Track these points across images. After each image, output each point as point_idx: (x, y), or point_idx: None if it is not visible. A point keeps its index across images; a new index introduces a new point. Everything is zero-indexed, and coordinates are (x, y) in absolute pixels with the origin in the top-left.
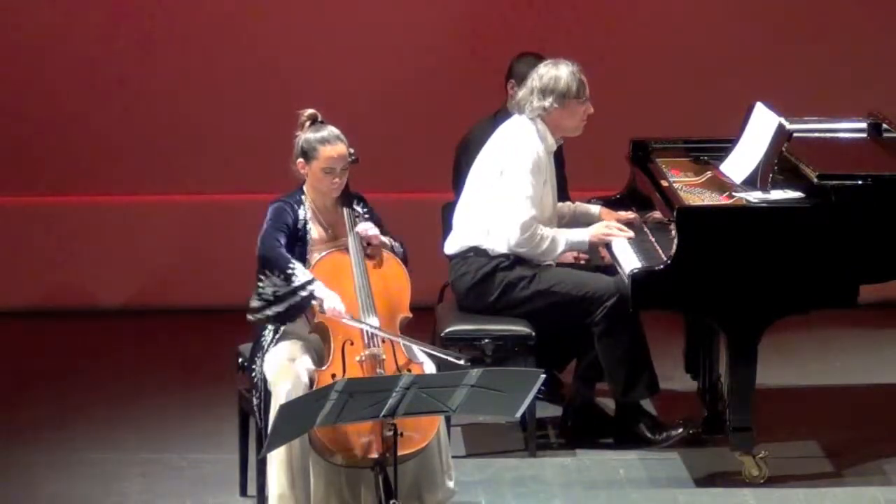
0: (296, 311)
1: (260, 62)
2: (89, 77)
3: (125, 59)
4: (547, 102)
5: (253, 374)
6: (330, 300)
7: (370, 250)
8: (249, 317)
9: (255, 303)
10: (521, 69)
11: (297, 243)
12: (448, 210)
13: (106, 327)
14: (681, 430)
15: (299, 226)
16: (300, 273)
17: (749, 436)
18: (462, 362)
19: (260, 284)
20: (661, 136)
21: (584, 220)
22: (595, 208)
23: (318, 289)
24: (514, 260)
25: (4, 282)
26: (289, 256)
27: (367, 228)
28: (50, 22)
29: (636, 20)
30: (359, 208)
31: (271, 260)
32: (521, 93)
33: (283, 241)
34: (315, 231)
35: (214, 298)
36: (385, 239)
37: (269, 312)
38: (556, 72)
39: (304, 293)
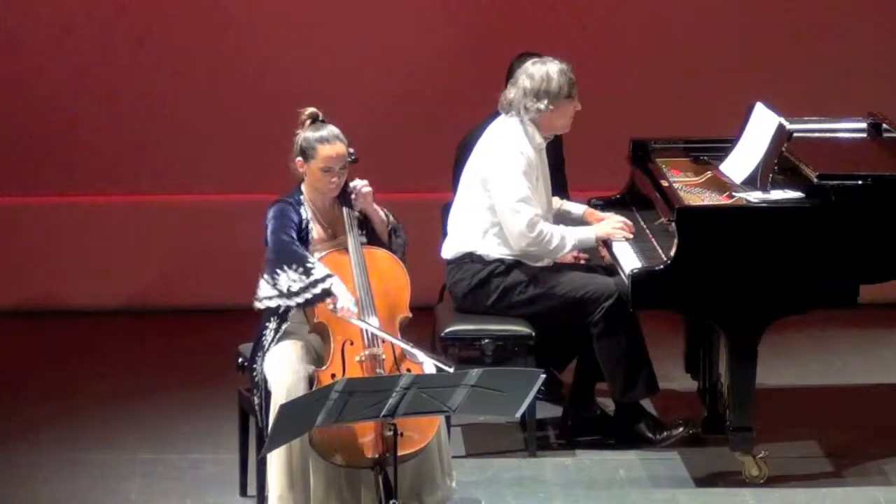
0: (307, 304)
1: (260, 62)
2: (89, 77)
3: (124, 59)
4: (542, 105)
5: (254, 374)
6: (343, 300)
7: (359, 204)
8: (257, 304)
9: (265, 291)
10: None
11: (301, 244)
12: (448, 210)
13: (106, 327)
14: (681, 429)
15: (302, 225)
16: (319, 267)
17: (749, 436)
18: (451, 370)
19: (275, 278)
20: (661, 136)
21: (567, 220)
22: (579, 208)
23: (336, 285)
24: (510, 264)
25: (4, 282)
26: (307, 253)
27: (360, 185)
28: (48, 22)
29: (637, 21)
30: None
31: (290, 255)
32: (513, 94)
33: (295, 238)
34: (315, 231)
35: (214, 298)
36: (380, 210)
37: (280, 302)
38: (547, 72)
39: (324, 286)
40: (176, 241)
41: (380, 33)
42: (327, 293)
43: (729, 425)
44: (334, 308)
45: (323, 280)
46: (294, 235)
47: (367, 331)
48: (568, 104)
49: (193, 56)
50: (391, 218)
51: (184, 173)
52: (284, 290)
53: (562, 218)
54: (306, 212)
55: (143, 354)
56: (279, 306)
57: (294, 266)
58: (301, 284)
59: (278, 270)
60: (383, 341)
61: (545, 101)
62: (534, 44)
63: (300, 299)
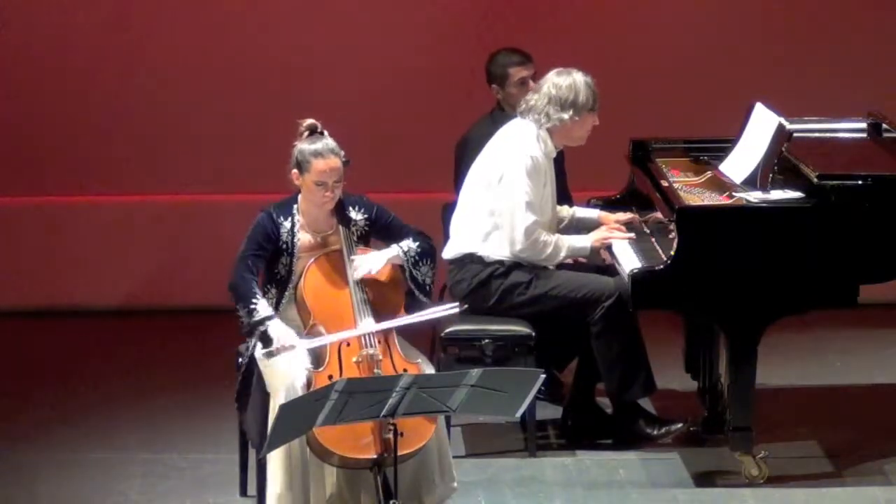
0: (264, 341)
1: (260, 63)
2: (89, 78)
3: (124, 60)
4: (567, 115)
5: (240, 359)
6: (282, 339)
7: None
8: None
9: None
10: (495, 70)
11: (283, 255)
12: (448, 210)
13: (105, 327)
14: (680, 424)
15: (282, 237)
16: (261, 309)
17: (749, 436)
18: (457, 309)
19: (238, 312)
20: (661, 136)
21: (584, 226)
22: (594, 213)
23: (273, 327)
24: (510, 266)
25: (4, 282)
26: (254, 290)
27: (363, 268)
28: (47, 23)
29: (636, 21)
30: (358, 215)
31: (238, 293)
32: (535, 99)
33: (256, 266)
34: (304, 237)
35: (214, 298)
36: (386, 257)
37: (251, 339)
38: (574, 83)
39: (262, 329)
40: (176, 241)
41: (380, 33)
42: (267, 336)
43: (729, 425)
44: (273, 352)
45: (262, 322)
46: (257, 265)
47: (363, 335)
48: (590, 117)
49: (194, 57)
50: (413, 250)
51: (184, 173)
52: (245, 326)
53: (578, 225)
54: (294, 222)
55: (142, 354)
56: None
57: (241, 304)
58: (248, 323)
59: (236, 307)
60: (379, 342)
61: (570, 112)
62: (533, 45)
63: (252, 339)
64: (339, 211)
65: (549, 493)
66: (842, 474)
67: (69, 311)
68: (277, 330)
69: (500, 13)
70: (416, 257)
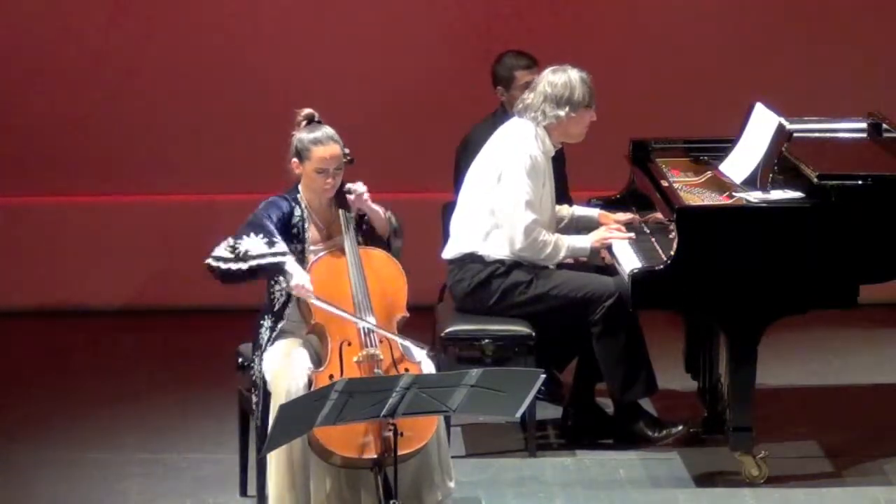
0: (256, 273)
1: (258, 62)
2: (89, 78)
3: (122, 61)
4: (563, 112)
5: (252, 374)
6: (298, 277)
7: (355, 207)
8: (209, 260)
9: (220, 251)
10: (501, 72)
11: (294, 242)
12: (448, 210)
13: (106, 327)
14: (681, 427)
15: (293, 221)
16: (282, 245)
17: (749, 436)
18: (425, 351)
19: (237, 241)
20: (661, 136)
21: (584, 224)
22: (594, 212)
23: (290, 263)
24: (510, 265)
25: (4, 282)
26: (275, 231)
27: (355, 187)
28: (47, 24)
29: (636, 21)
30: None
31: (262, 226)
32: (531, 98)
33: (273, 223)
34: (311, 231)
35: (214, 298)
36: (381, 210)
37: (226, 267)
38: (569, 80)
39: (278, 258)
40: (176, 241)
41: (379, 33)
42: (278, 266)
43: (729, 425)
44: (289, 285)
45: (282, 254)
46: (273, 221)
47: (362, 329)
48: (586, 113)
49: (195, 58)
50: (394, 220)
51: (184, 173)
52: (241, 253)
53: (578, 224)
54: (302, 211)
55: (143, 354)
56: (229, 269)
57: (261, 234)
58: (258, 251)
59: (244, 235)
60: (381, 341)
61: (566, 109)
62: (533, 44)
63: (253, 263)
64: (337, 194)
65: (549, 493)
66: (842, 474)
67: (69, 311)
68: (295, 268)
69: (500, 14)
70: (396, 230)
